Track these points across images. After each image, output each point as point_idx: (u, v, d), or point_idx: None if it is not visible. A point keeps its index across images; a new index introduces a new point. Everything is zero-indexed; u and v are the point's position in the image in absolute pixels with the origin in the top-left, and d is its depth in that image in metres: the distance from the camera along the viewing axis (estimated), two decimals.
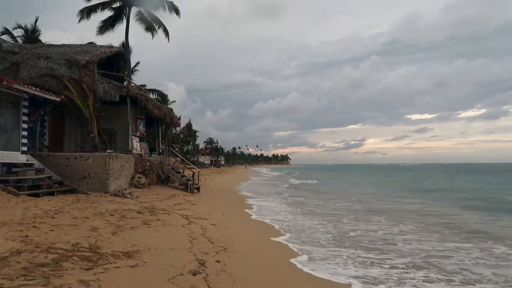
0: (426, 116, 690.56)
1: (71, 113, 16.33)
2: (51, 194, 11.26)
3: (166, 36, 30.09)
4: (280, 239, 9.09)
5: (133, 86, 19.34)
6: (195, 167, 21.69)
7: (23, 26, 28.19)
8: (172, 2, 28.75)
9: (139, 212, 9.43)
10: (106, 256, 5.12)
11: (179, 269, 5.12)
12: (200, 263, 5.61)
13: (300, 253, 7.67)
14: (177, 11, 29.52)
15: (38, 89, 12.10)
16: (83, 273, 4.39)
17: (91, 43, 24.71)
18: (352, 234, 10.23)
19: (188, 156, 70.19)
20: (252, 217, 12.68)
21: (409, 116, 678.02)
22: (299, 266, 6.67)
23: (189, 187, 18.26)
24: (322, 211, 15.33)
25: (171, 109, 24.17)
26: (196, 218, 10.21)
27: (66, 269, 4.40)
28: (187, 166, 21.54)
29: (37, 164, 12.53)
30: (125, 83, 18.34)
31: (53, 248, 5.15)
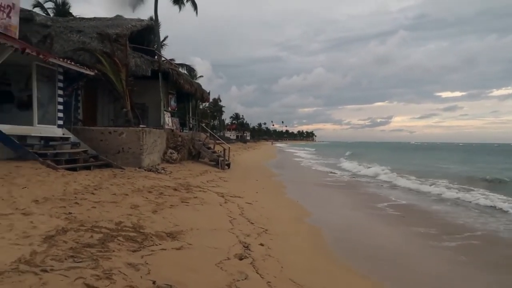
0: (457, 94, 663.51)
1: (104, 87, 16.34)
2: (87, 168, 11.33)
3: (194, 10, 29.55)
4: (315, 221, 8.82)
5: (164, 60, 19.13)
6: (225, 143, 21.55)
7: None
8: None
9: (176, 189, 9.34)
10: (151, 237, 4.98)
11: (224, 253, 4.93)
12: (244, 246, 5.42)
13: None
14: None
15: (72, 63, 12.02)
16: (130, 255, 4.25)
17: (118, 16, 24.49)
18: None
19: (215, 131, 70.49)
20: (286, 196, 12.45)
21: (439, 94, 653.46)
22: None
23: (220, 163, 18.19)
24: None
25: (200, 84, 23.89)
26: (231, 196, 10.06)
27: (113, 251, 4.27)
28: (217, 142, 21.42)
29: (72, 138, 12.62)
30: (156, 57, 18.14)
31: (97, 227, 5.05)
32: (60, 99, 12.47)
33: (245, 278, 4.16)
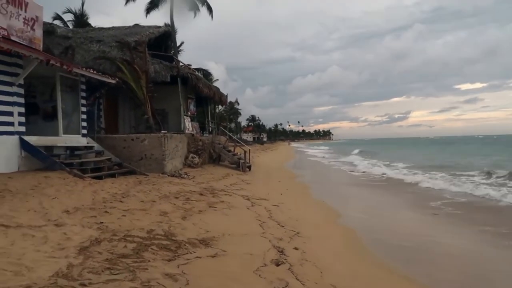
0: (477, 85, 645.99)
1: (124, 94, 16.47)
2: (112, 176, 11.37)
3: (209, 14, 29.54)
4: (347, 222, 8.58)
5: (182, 65, 19.17)
6: (246, 145, 21.47)
7: (72, 10, 28.73)
8: None
9: (201, 194, 9.26)
10: (185, 245, 4.88)
11: (260, 259, 4.79)
12: (279, 251, 5.27)
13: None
14: None
15: (94, 71, 12.13)
16: (166, 264, 4.15)
17: (136, 25, 24.77)
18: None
19: (231, 133, 70.60)
20: (312, 197, 12.24)
21: (458, 86, 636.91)
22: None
23: (241, 166, 18.11)
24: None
25: (218, 88, 23.89)
26: (257, 199, 9.93)
27: (149, 261, 4.18)
28: (237, 144, 21.37)
29: (96, 146, 12.73)
30: (174, 62, 18.20)
31: (130, 236, 4.99)
32: (83, 108, 12.60)
33: (286, 286, 4.01)
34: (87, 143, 12.51)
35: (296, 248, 5.53)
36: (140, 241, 4.82)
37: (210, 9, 29.32)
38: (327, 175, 22.10)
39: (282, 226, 7.01)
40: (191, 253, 4.65)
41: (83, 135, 12.50)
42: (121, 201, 7.23)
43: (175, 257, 4.43)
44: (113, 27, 19.86)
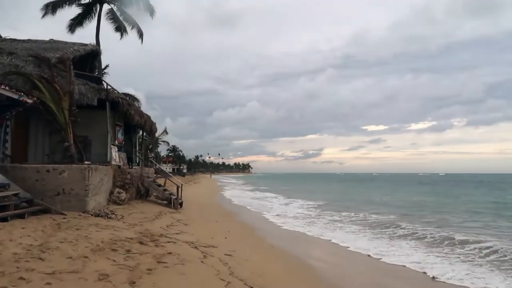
0: (381, 127, 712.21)
1: (38, 117, 14.04)
2: (21, 216, 9.14)
3: (140, 37, 28.08)
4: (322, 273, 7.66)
5: (111, 89, 17.22)
6: (177, 179, 19.81)
7: None
8: (148, 1, 26.85)
9: (141, 243, 7.64)
10: None
11: None
12: None
13: None
14: (151, 12, 27.65)
15: (7, 87, 9.99)
16: None
17: (51, 40, 22.13)
18: None
19: (150, 164, 66.64)
20: (259, 239, 11.18)
21: (365, 127, 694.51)
22: None
23: (173, 202, 16.45)
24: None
25: (149, 116, 22.09)
26: (205, 247, 8.57)
27: None
28: (168, 178, 19.64)
29: (0, 178, 10.33)
30: (102, 85, 16.27)
31: None
32: None
33: None
34: None
35: None
36: None
37: (140, 33, 27.87)
38: (258, 212, 21.27)
39: (251, 287, 5.81)
40: None
41: None
42: (40, 258, 5.42)
43: None
44: (29, 39, 17.37)
